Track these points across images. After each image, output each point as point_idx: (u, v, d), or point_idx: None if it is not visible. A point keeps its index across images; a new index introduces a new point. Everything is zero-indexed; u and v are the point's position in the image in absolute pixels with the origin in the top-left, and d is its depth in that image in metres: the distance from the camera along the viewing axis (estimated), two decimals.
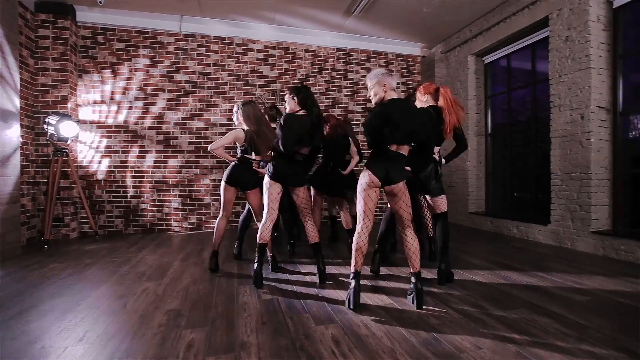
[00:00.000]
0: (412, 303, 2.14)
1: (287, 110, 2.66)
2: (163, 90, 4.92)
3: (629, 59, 3.48)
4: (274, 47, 5.44)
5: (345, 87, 5.84)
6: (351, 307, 2.07)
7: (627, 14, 3.47)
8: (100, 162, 4.71)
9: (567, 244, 3.66)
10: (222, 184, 2.91)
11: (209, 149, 2.85)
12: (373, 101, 2.19)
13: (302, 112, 2.59)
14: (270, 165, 2.60)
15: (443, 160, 2.73)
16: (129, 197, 4.80)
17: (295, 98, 2.60)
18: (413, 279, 2.14)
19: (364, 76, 5.92)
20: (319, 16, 4.95)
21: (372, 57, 5.97)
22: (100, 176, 4.71)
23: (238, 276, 2.83)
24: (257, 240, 2.57)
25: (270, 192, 2.59)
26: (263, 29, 5.26)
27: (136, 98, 4.82)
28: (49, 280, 2.75)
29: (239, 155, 3.02)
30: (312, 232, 2.68)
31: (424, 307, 2.11)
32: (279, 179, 2.58)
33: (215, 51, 5.14)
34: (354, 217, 3.68)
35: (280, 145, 2.50)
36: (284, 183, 2.62)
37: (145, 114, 4.86)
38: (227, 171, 2.91)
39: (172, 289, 2.53)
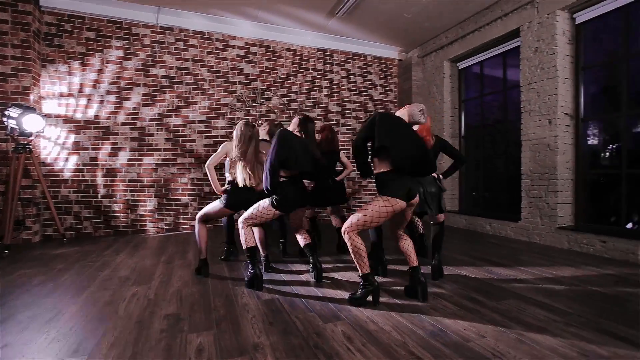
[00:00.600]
0: (417, 297, 2.21)
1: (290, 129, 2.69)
2: (138, 85, 4.66)
3: (589, 71, 3.83)
4: (254, 45, 5.35)
5: (326, 87, 5.89)
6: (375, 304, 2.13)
7: (587, 30, 3.82)
8: (67, 160, 4.37)
9: (536, 239, 3.96)
10: (219, 204, 2.73)
11: (205, 167, 2.71)
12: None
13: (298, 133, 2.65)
14: (275, 195, 2.48)
15: (441, 176, 2.83)
16: (99, 197, 4.49)
17: (299, 122, 2.70)
18: (414, 274, 2.22)
19: (344, 77, 6.01)
20: (303, 15, 4.95)
21: (352, 58, 6.06)
22: (67, 175, 4.37)
23: (230, 278, 2.76)
24: (244, 246, 2.51)
25: (266, 213, 2.51)
26: (244, 25, 5.15)
27: (108, 92, 4.52)
28: (19, 288, 2.52)
29: (227, 178, 2.88)
30: (303, 236, 2.71)
31: (422, 301, 2.19)
32: (285, 208, 2.52)
33: (194, 46, 4.96)
34: (342, 218, 3.73)
35: (270, 158, 2.39)
36: (288, 211, 2.60)
37: (118, 109, 4.57)
38: (226, 197, 2.70)
39: (163, 292, 2.42)
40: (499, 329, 1.81)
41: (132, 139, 4.64)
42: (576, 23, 3.82)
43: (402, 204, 2.09)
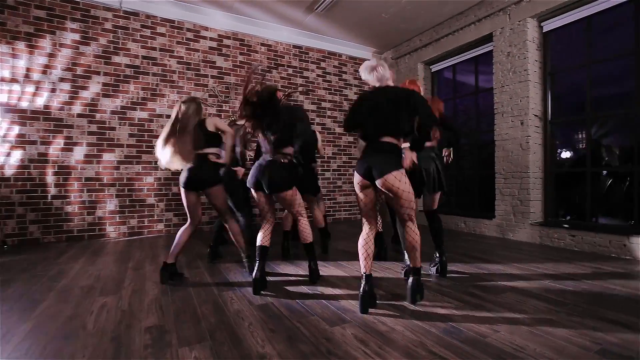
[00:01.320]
0: (410, 298, 2.07)
1: None
2: (97, 73, 4.19)
3: (558, 76, 4.08)
4: (228, 37, 5.08)
5: (301, 85, 5.75)
6: (361, 311, 1.93)
7: (553, 38, 4.08)
8: (9, 155, 3.79)
9: (510, 235, 4.13)
10: (181, 189, 2.53)
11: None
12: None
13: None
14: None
15: (444, 152, 2.79)
16: (49, 198, 3.95)
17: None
18: (412, 274, 2.07)
19: (319, 75, 5.92)
20: (281, 9, 4.78)
21: (327, 57, 5.99)
22: (9, 172, 3.79)
23: (214, 283, 2.51)
24: (257, 244, 2.33)
25: (257, 200, 2.42)
26: (217, 16, 4.87)
27: (62, 79, 4.01)
28: None
29: None
30: (306, 231, 2.48)
31: (427, 299, 2.12)
32: (255, 185, 2.36)
33: (162, 34, 4.58)
34: (324, 217, 3.59)
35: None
36: (263, 189, 2.36)
37: (74, 99, 4.07)
38: (182, 173, 2.51)
39: (138, 302, 2.12)
40: (508, 322, 1.78)
41: (90, 133, 4.15)
42: (544, 31, 4.06)
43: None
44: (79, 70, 4.10)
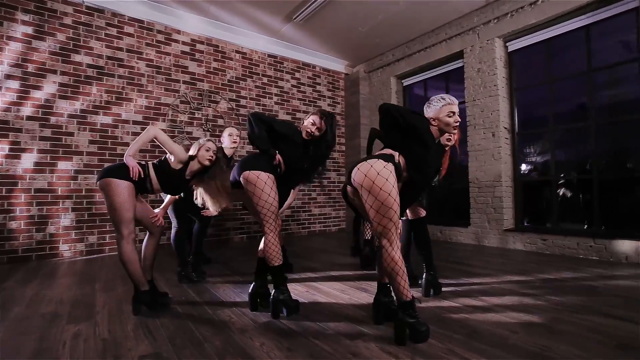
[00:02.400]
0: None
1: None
2: (54, 72, 3.74)
3: (520, 92, 4.42)
4: (202, 42, 4.86)
5: (276, 94, 5.65)
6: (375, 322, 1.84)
7: (517, 58, 4.44)
8: None
9: (485, 242, 4.31)
10: None
11: None
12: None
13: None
14: None
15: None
16: None
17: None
18: (398, 310, 1.64)
19: (294, 86, 5.87)
20: (258, 17, 4.69)
21: (302, 67, 5.98)
22: None
23: (204, 302, 2.26)
24: (272, 264, 1.99)
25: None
26: (191, 19, 4.65)
27: (8, 76, 3.52)
28: None
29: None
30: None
31: (437, 302, 2.09)
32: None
33: (130, 34, 4.25)
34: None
35: None
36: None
37: (24, 100, 3.58)
38: None
39: (120, 328, 1.83)
40: (524, 323, 1.79)
41: (43, 139, 3.66)
42: (509, 51, 4.40)
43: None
44: (31, 68, 3.63)
